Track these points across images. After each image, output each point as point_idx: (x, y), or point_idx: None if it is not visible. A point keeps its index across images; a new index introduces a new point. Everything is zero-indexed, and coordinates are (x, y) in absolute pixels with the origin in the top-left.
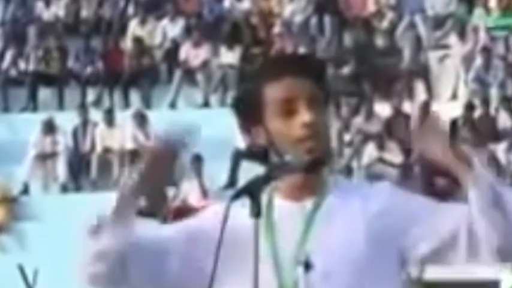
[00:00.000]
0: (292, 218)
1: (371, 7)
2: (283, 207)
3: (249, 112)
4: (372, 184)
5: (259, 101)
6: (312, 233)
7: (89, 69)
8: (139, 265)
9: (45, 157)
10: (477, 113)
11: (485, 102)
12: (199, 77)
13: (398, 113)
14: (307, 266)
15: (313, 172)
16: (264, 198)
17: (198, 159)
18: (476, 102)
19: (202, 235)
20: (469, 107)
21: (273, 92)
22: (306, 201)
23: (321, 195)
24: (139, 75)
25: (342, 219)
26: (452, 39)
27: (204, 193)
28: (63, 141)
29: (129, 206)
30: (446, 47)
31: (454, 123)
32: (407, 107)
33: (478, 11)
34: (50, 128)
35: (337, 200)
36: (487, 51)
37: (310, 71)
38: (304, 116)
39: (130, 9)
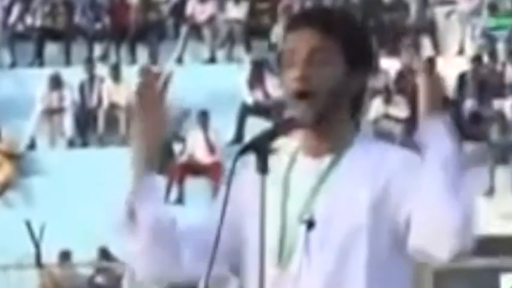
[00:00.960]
0: (307, 174)
1: None
2: (303, 163)
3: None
4: (393, 147)
5: (281, 52)
6: (322, 192)
7: (95, 25)
8: (191, 244)
9: (52, 112)
10: (484, 68)
11: (493, 56)
12: (206, 32)
13: (405, 67)
14: (310, 224)
15: (318, 127)
16: (287, 156)
17: (204, 115)
18: (484, 57)
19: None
20: (476, 59)
21: (286, 43)
22: (325, 157)
23: (339, 152)
24: (146, 30)
25: (352, 181)
26: None
27: (211, 148)
28: (70, 96)
29: (145, 165)
30: (452, 2)
31: (461, 78)
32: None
33: None
34: (56, 83)
35: (356, 157)
36: (493, 6)
37: (320, 22)
38: (298, 69)
39: None
